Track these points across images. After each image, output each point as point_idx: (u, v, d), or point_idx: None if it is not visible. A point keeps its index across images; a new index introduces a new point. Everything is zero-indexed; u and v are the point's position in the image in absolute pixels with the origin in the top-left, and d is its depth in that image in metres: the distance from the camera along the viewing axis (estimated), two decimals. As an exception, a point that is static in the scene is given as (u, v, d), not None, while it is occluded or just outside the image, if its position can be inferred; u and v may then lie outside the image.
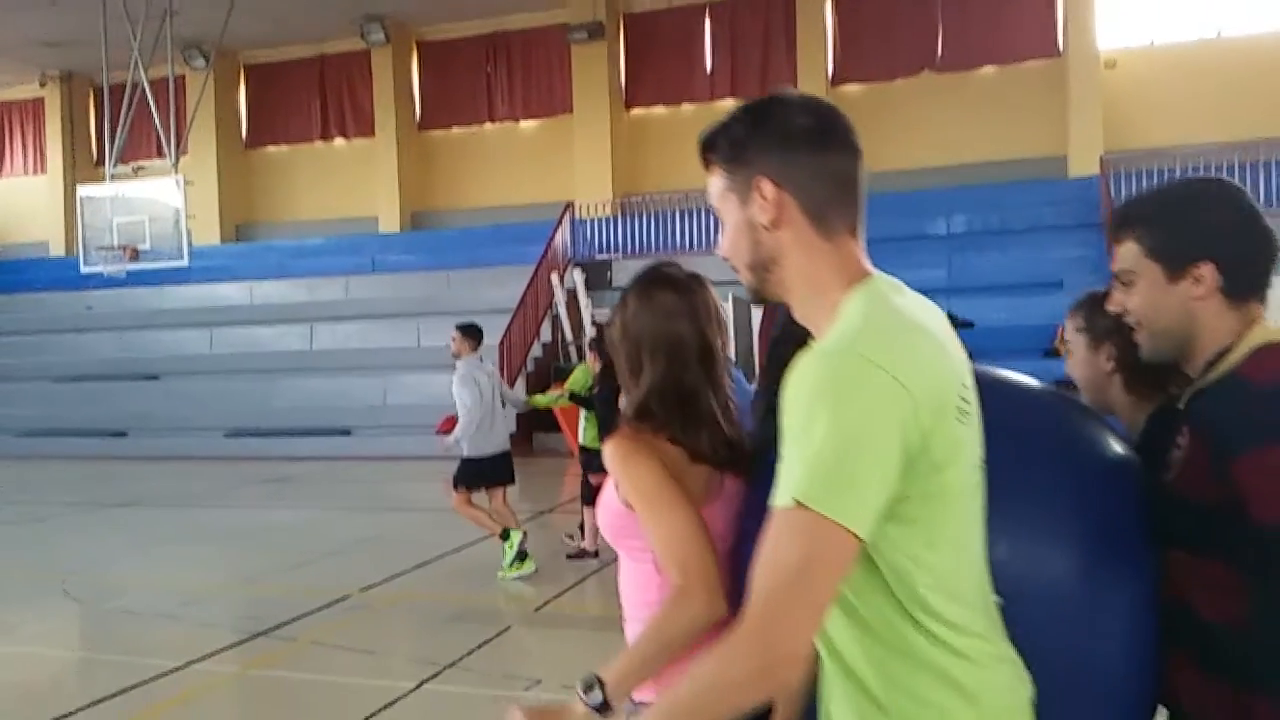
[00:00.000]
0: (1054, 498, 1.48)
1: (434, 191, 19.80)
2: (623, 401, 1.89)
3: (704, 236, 17.11)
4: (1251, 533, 1.37)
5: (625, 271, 16.87)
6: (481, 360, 7.44)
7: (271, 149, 20.81)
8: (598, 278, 16.68)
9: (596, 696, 1.56)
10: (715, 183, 1.39)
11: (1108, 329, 1.79)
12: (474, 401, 7.01)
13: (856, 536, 1.14)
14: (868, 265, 1.34)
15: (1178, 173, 14.64)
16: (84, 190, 15.13)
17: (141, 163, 15.58)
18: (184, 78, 17.75)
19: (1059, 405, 1.68)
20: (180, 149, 14.97)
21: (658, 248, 17.25)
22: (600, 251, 17.57)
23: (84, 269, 14.73)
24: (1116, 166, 15.00)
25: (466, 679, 5.03)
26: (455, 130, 19.73)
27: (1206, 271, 1.51)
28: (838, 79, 17.24)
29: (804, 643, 1.15)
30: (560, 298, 15.89)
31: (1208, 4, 15.73)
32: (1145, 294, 1.56)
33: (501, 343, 14.35)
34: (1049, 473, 1.49)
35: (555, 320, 15.95)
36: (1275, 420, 1.39)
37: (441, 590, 7.00)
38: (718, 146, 1.38)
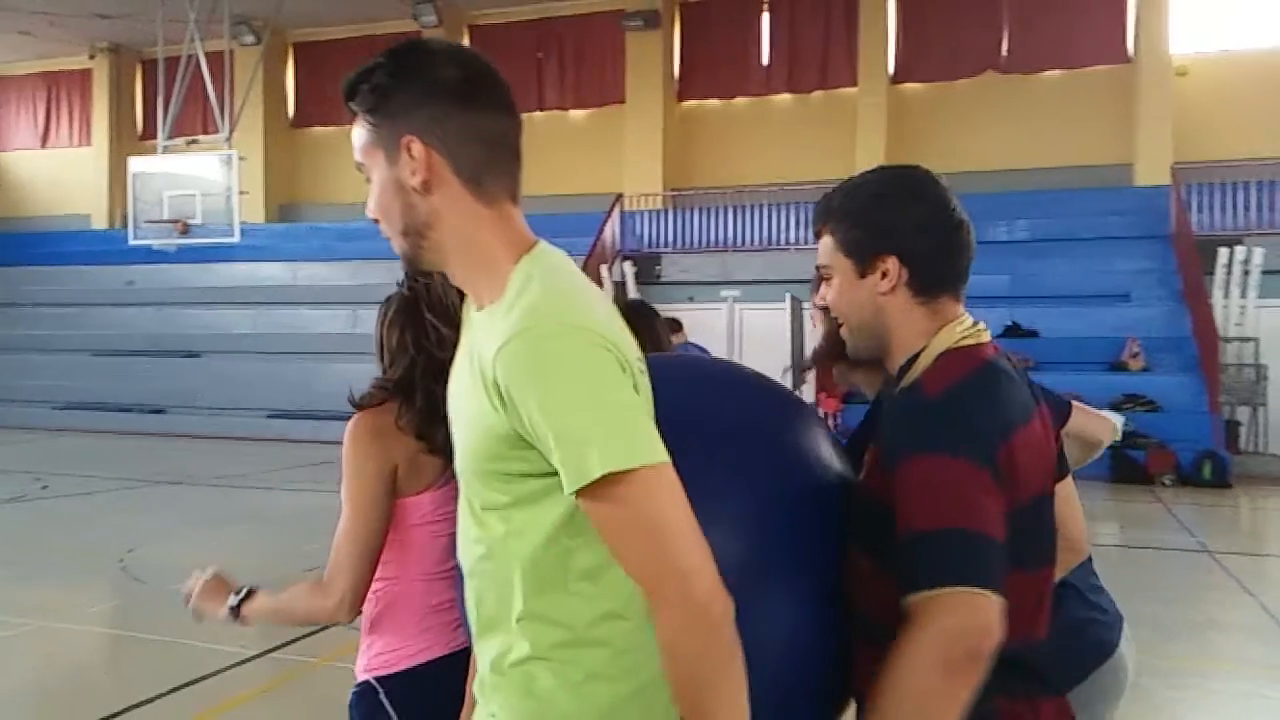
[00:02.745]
0: (717, 489, 1.39)
1: (480, 178, 19.57)
2: None
3: (754, 233, 16.83)
4: (895, 535, 1.38)
5: (675, 266, 16.62)
6: None
7: (318, 129, 20.64)
8: (646, 271, 16.43)
9: (235, 600, 1.84)
10: (359, 134, 1.28)
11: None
12: None
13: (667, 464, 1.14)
14: (529, 232, 1.28)
15: (1251, 187, 14.25)
16: (135, 163, 14.99)
17: (193, 137, 15.40)
18: (232, 53, 17.62)
19: (749, 394, 1.60)
20: (233, 125, 14.80)
21: (707, 242, 16.98)
22: (649, 245, 17.29)
23: (133, 241, 14.60)
24: (1187, 177, 14.61)
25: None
26: (504, 117, 19.48)
27: (891, 265, 1.49)
28: (899, 77, 16.91)
29: (717, 577, 1.11)
30: (608, 290, 15.62)
31: (1286, 12, 15.31)
32: (840, 289, 1.55)
33: (550, 333, 14.11)
34: (715, 463, 1.41)
35: (603, 313, 15.73)
36: (929, 432, 1.37)
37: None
38: (359, 95, 1.26)
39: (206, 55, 14.90)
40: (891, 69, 16.91)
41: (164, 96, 15.03)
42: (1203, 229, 14.21)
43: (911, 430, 1.40)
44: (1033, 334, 13.50)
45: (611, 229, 16.89)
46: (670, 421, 1.20)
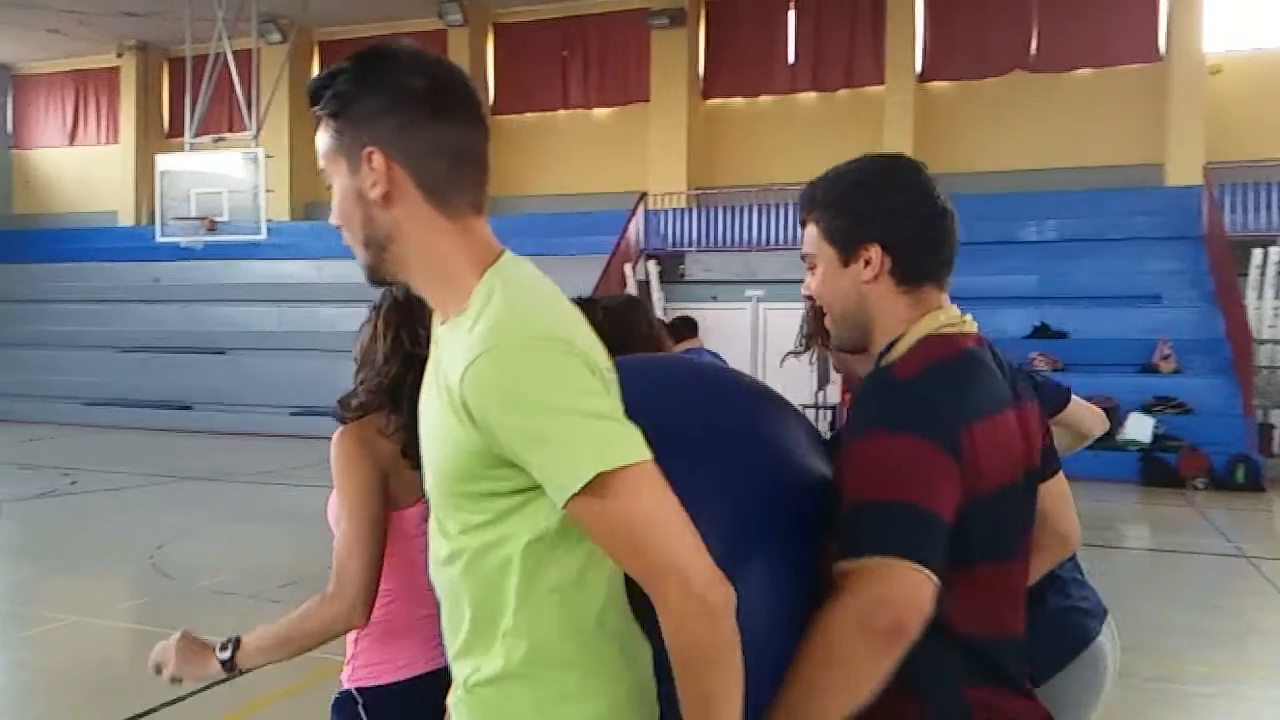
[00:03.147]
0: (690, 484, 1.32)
1: (504, 178, 19.49)
2: None
3: (779, 232, 16.74)
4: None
5: (699, 265, 16.57)
6: None
7: (342, 127, 20.69)
8: (670, 270, 16.39)
9: (226, 654, 1.74)
10: (321, 140, 1.26)
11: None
12: None
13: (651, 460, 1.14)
14: (495, 244, 1.26)
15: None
16: (163, 161, 15.08)
17: (221, 135, 15.49)
18: (259, 52, 17.68)
19: (729, 394, 1.57)
20: (259, 123, 14.86)
21: (731, 242, 16.91)
22: (673, 244, 17.24)
23: (160, 238, 14.68)
24: (1220, 177, 14.41)
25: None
26: (528, 116, 19.49)
27: (874, 254, 1.49)
28: (926, 75, 16.77)
29: (713, 567, 1.12)
30: (632, 289, 15.60)
31: (1322, 10, 15.08)
32: (823, 278, 1.55)
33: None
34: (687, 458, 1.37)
35: (627, 311, 15.68)
36: (893, 410, 1.38)
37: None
38: (323, 100, 1.24)
39: (233, 53, 14.97)
40: (919, 67, 16.77)
41: (191, 94, 15.10)
42: (1235, 229, 14.03)
43: (876, 407, 1.40)
44: (1062, 335, 13.37)
45: (635, 228, 16.85)
46: (649, 423, 1.19)
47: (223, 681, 4.57)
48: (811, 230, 1.55)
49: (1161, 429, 11.81)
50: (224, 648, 1.75)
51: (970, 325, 1.51)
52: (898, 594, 1.27)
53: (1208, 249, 13.93)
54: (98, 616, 5.89)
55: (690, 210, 17.45)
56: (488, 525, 1.21)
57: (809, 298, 1.62)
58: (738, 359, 14.19)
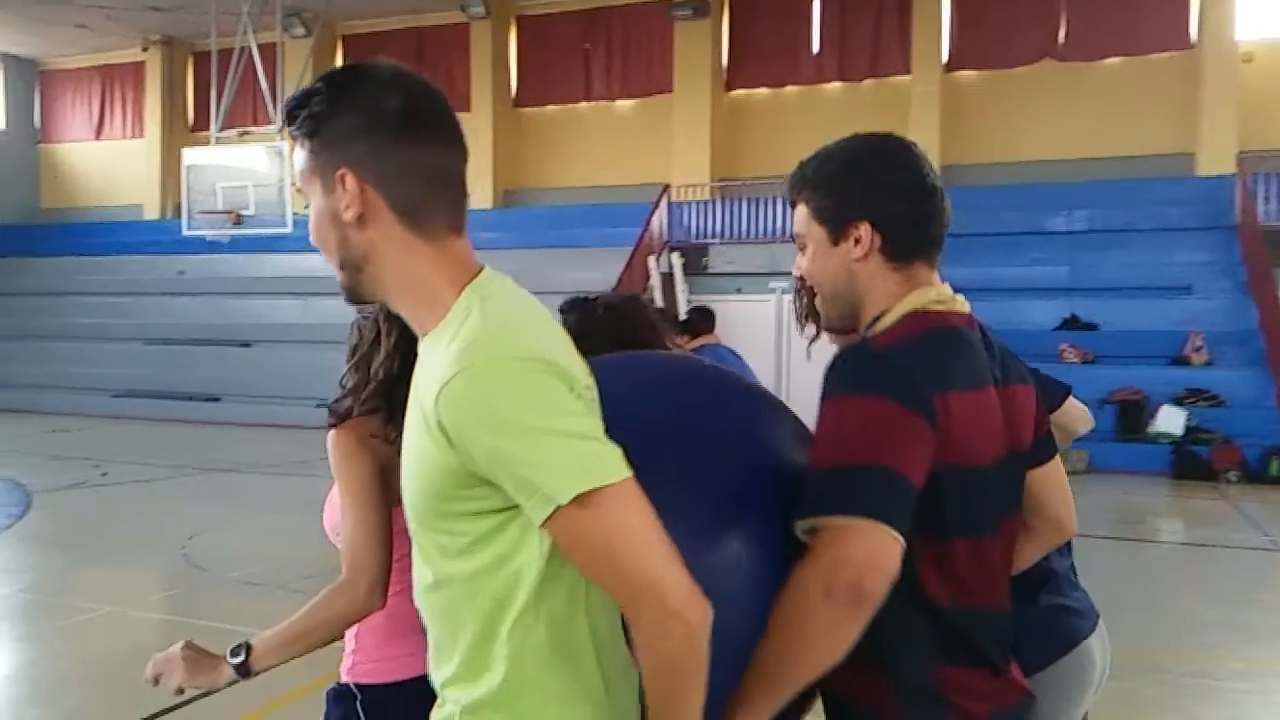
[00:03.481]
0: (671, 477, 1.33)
1: (527, 169, 19.56)
2: None
3: (803, 224, 16.64)
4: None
5: (722, 257, 16.49)
6: None
7: (366, 120, 20.72)
8: (694, 262, 16.33)
9: (239, 659, 1.67)
10: (298, 159, 1.25)
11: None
12: None
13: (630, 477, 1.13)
14: (474, 261, 1.24)
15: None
16: (189, 155, 15.17)
17: (246, 129, 15.56)
18: (283, 46, 17.75)
19: (723, 396, 1.56)
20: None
21: (755, 233, 16.82)
22: (696, 236, 17.18)
23: (186, 232, 14.77)
24: (1253, 166, 14.19)
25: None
26: (550, 108, 19.46)
27: (864, 232, 1.48)
28: (953, 65, 16.61)
29: (691, 584, 1.11)
30: (655, 281, 15.56)
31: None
32: (814, 257, 1.54)
33: (599, 324, 14.05)
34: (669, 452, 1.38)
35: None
36: (865, 376, 1.37)
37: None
38: (298, 121, 1.23)
39: (258, 47, 15.03)
40: (945, 56, 16.59)
41: (216, 88, 15.20)
42: (1269, 219, 13.83)
43: (848, 373, 1.40)
44: (1092, 327, 13.23)
45: (659, 220, 16.79)
46: (631, 424, 1.19)
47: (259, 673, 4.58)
48: (802, 210, 1.55)
49: (1193, 421, 11.66)
50: (235, 654, 1.70)
51: (961, 305, 1.50)
52: (859, 554, 1.27)
53: (1240, 239, 13.74)
54: (131, 607, 5.93)
55: (714, 202, 17.37)
56: (466, 551, 1.19)
57: (800, 278, 1.61)
58: (762, 351, 14.11)
